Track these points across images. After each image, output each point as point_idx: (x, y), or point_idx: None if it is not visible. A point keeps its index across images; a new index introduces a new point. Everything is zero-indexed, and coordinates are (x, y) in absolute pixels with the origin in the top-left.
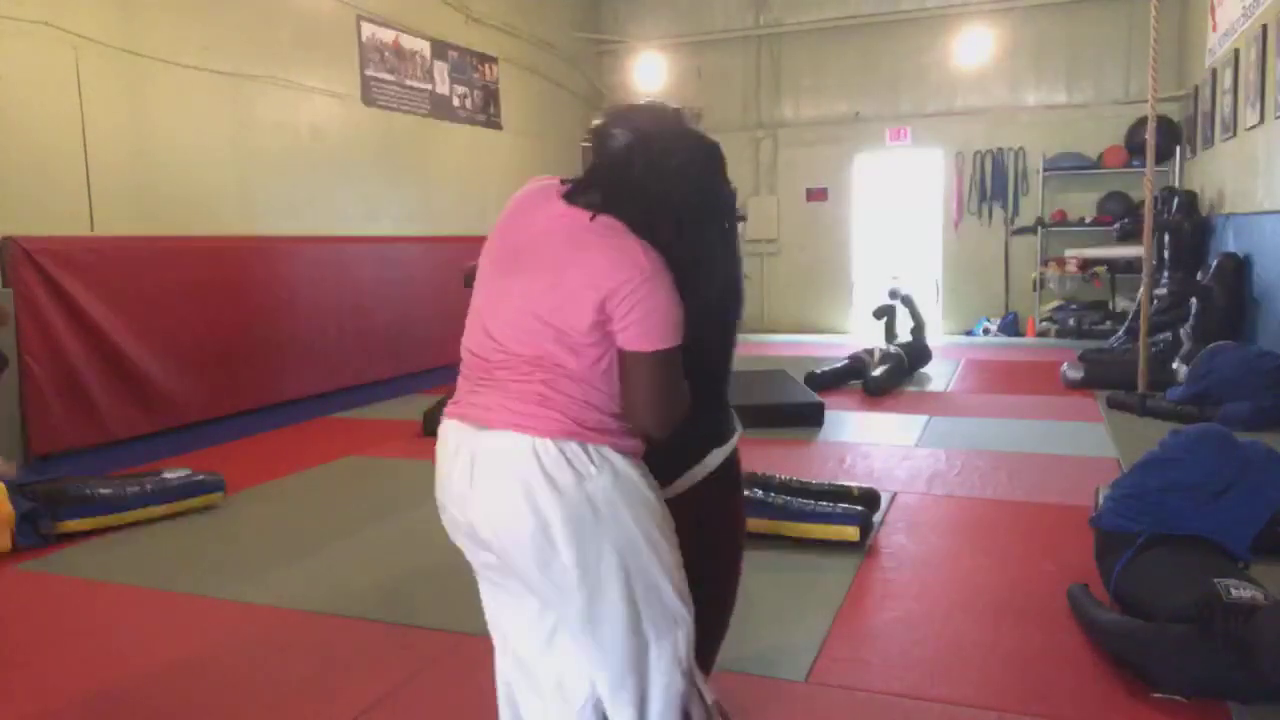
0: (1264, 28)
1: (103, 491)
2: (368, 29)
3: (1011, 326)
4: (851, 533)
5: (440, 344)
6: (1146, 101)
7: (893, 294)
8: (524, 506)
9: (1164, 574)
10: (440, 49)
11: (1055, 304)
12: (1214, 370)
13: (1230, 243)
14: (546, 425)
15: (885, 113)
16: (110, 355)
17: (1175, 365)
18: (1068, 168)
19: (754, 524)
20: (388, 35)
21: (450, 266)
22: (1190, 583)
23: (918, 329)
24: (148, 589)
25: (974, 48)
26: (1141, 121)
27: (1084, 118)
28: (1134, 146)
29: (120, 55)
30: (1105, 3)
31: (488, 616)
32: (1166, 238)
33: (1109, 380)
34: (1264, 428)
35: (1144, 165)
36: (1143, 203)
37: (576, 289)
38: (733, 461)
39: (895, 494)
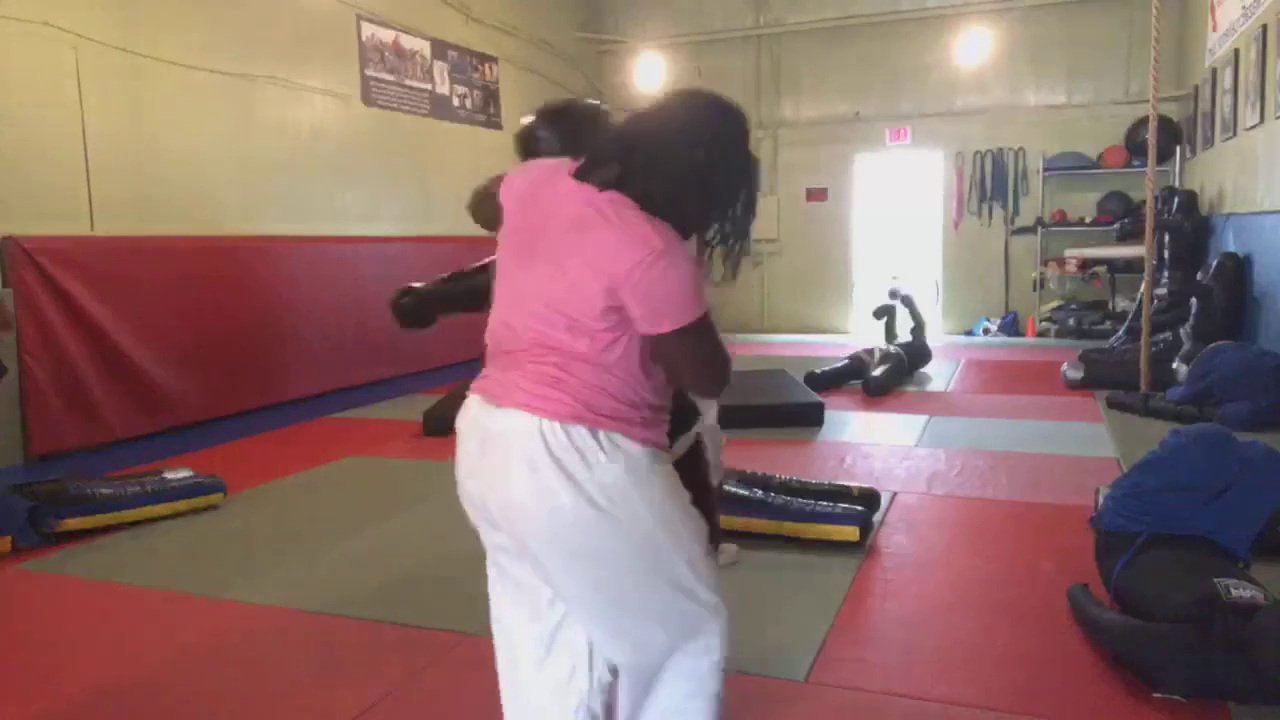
0: (1264, 28)
1: (103, 491)
2: (368, 29)
3: (1011, 326)
4: (851, 533)
5: (440, 344)
6: (1146, 101)
7: (893, 294)
8: (529, 486)
9: (1164, 574)
10: (440, 49)
11: (1055, 304)
12: (1214, 370)
13: (1230, 242)
14: (556, 408)
15: (885, 113)
16: (110, 355)
17: (1175, 365)
18: (1068, 168)
19: (754, 524)
20: (388, 35)
21: (451, 266)
22: (1190, 582)
23: (918, 329)
24: (148, 589)
25: (974, 48)
26: (1141, 121)
27: (1084, 118)
28: (1134, 146)
29: (120, 55)
30: (1105, 3)
31: (492, 613)
32: (1166, 237)
33: (1109, 380)
34: (1264, 428)
35: (1144, 165)
36: (1143, 203)
37: (584, 274)
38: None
39: (895, 494)
